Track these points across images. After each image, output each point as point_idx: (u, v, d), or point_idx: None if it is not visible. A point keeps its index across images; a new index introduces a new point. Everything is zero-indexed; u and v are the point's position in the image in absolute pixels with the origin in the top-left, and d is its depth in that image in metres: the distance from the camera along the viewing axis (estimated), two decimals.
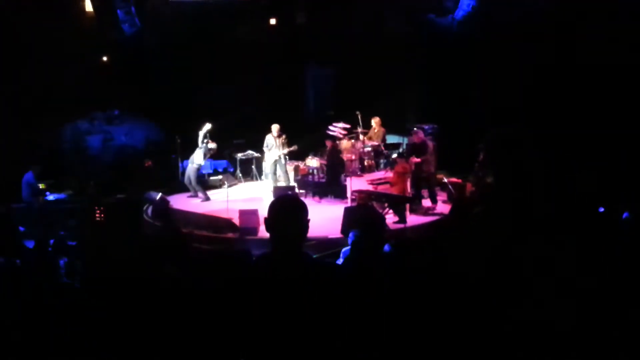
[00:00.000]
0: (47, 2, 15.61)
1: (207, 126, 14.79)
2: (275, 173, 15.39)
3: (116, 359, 4.08)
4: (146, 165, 16.89)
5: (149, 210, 14.34)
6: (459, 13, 16.12)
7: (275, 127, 15.25)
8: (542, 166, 3.38)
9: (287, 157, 15.46)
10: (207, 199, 14.86)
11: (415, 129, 14.24)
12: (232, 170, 17.57)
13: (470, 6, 15.80)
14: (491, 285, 3.69)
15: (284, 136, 15.30)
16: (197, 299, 4.16)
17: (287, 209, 3.12)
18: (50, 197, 14.62)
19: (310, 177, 15.61)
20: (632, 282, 3.94)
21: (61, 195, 14.90)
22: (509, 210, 3.32)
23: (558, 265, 3.30)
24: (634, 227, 6.88)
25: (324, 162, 15.47)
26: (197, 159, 14.83)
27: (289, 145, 15.27)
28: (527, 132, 3.43)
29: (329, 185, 15.01)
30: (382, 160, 16.75)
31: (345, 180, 14.57)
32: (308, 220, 3.12)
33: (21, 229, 12.40)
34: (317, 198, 14.78)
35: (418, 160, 13.31)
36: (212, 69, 17.73)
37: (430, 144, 13.62)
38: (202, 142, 14.80)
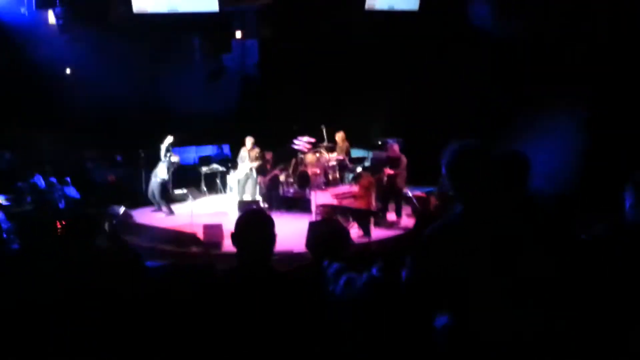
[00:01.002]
0: None
1: (169, 139, 14.73)
2: (244, 187, 15.39)
3: None
4: (109, 179, 16.72)
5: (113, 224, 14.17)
6: None
7: (249, 140, 15.34)
8: (501, 177, 3.42)
9: (256, 170, 15.48)
10: (171, 212, 14.76)
11: (389, 142, 14.33)
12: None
13: None
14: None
15: (257, 149, 15.33)
16: (157, 315, 4.11)
17: (254, 222, 3.12)
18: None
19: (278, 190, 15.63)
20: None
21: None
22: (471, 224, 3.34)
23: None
24: None
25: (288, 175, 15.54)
26: (161, 173, 14.73)
27: (261, 159, 15.31)
28: (485, 143, 3.46)
29: (271, 199, 15.34)
30: (346, 174, 16.79)
31: (310, 194, 14.58)
32: (275, 235, 3.11)
33: None
34: (282, 211, 14.81)
35: (392, 172, 13.36)
36: (175, 82, 17.62)
37: (404, 158, 13.69)
38: (165, 155, 14.72)
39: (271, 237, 3.08)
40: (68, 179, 15.38)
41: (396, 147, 13.89)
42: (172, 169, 15.02)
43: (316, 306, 3.10)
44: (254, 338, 2.83)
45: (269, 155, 15.56)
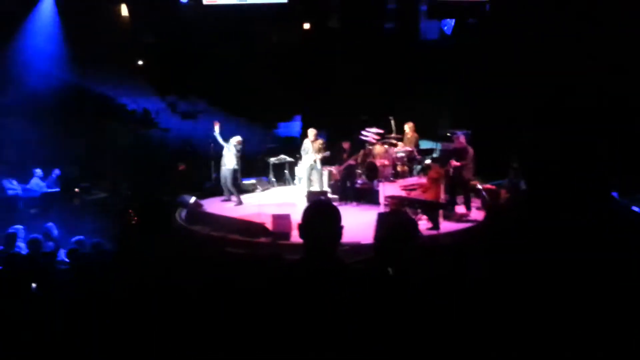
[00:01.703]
0: (85, 6, 15.86)
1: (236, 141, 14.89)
2: (309, 178, 15.39)
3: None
4: (180, 168, 17.02)
5: (183, 214, 14.44)
6: None
7: (311, 132, 15.29)
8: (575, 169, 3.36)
9: (321, 162, 15.45)
10: (240, 202, 14.90)
11: (457, 133, 14.14)
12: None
13: None
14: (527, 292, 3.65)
15: (320, 141, 15.30)
16: (228, 303, 4.15)
17: (321, 214, 3.12)
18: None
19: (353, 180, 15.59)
20: None
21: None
22: (542, 216, 3.28)
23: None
24: None
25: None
26: (229, 162, 14.87)
27: (325, 150, 15.27)
28: (558, 136, 3.40)
29: (345, 190, 15.23)
30: (415, 166, 16.67)
31: (378, 185, 14.53)
32: (341, 227, 3.11)
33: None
34: (353, 203, 14.80)
35: (458, 164, 13.18)
36: (246, 73, 17.78)
37: (470, 150, 13.48)
38: (228, 144, 14.85)
39: (337, 229, 3.08)
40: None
41: (462, 139, 13.67)
42: (239, 155, 15.05)
43: (382, 298, 3.09)
44: (319, 329, 2.83)
45: (346, 145, 15.49)
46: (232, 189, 15.08)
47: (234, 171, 15.02)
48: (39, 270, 6.78)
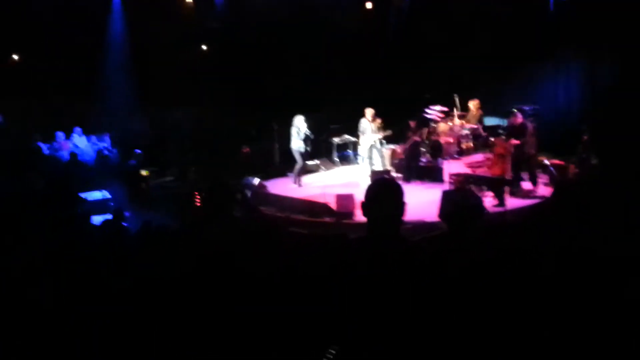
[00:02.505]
0: None
1: (300, 120, 14.90)
2: (371, 157, 15.32)
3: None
4: (244, 151, 17.19)
5: (248, 195, 14.61)
6: None
7: (369, 111, 15.14)
8: None
9: (383, 141, 15.36)
10: (299, 185, 14.92)
11: (514, 110, 13.86)
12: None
13: None
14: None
15: (378, 120, 15.18)
16: (293, 282, 4.18)
17: (384, 192, 3.09)
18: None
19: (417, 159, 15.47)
20: None
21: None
22: (615, 192, 3.19)
23: None
24: None
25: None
26: (295, 144, 14.91)
27: (385, 130, 15.17)
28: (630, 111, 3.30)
29: (410, 168, 15.01)
30: (480, 143, 16.42)
31: (442, 163, 14.39)
32: (405, 204, 3.08)
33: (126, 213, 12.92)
34: (417, 181, 14.70)
35: (517, 142, 12.94)
36: (307, 56, 17.78)
37: (529, 125, 13.20)
38: (298, 133, 14.89)
39: (401, 206, 3.05)
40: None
41: (519, 115, 13.37)
42: (300, 135, 15.08)
43: (447, 276, 3.05)
44: (386, 306, 2.82)
45: (412, 123, 15.36)
46: (296, 170, 15.14)
47: (300, 153, 15.04)
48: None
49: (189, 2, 17.11)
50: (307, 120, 15.15)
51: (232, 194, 13.15)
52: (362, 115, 15.19)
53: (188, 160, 17.04)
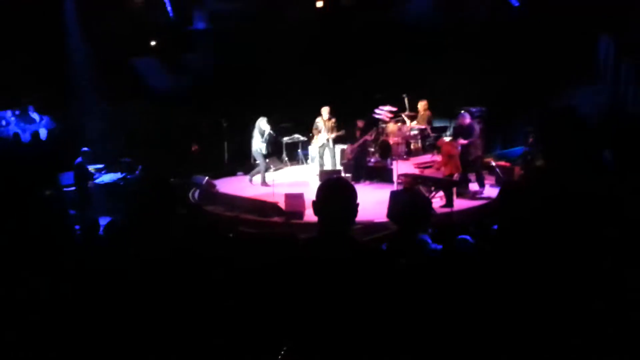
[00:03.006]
0: None
1: (263, 123, 14.78)
2: (322, 157, 15.34)
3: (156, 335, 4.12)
4: (193, 149, 17.03)
5: (196, 194, 14.47)
6: None
7: (325, 110, 15.18)
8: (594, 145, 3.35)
9: (334, 141, 15.38)
10: (267, 185, 14.81)
11: (462, 111, 14.05)
12: None
13: None
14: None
15: (333, 120, 15.23)
16: (241, 282, 4.15)
17: (336, 192, 3.07)
18: (105, 178, 15.01)
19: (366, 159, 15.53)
20: None
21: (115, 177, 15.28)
22: (561, 192, 3.24)
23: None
24: None
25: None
26: (255, 144, 14.79)
27: (338, 130, 15.22)
28: (577, 112, 3.38)
29: (359, 168, 15.10)
30: (428, 144, 16.58)
31: (391, 164, 14.48)
32: (357, 204, 3.06)
33: (72, 212, 12.69)
34: (366, 182, 14.77)
35: (464, 142, 13.11)
36: (260, 52, 17.68)
37: (476, 127, 13.39)
38: (262, 135, 14.76)
39: (353, 206, 3.03)
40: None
41: (467, 116, 13.56)
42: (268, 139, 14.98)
43: (395, 276, 3.06)
44: (333, 306, 2.81)
45: (360, 124, 15.42)
46: (255, 171, 15.08)
47: (257, 154, 14.95)
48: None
49: None
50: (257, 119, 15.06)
51: (174, 192, 13.10)
52: (314, 114, 15.21)
53: (136, 157, 16.78)
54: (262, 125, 14.69)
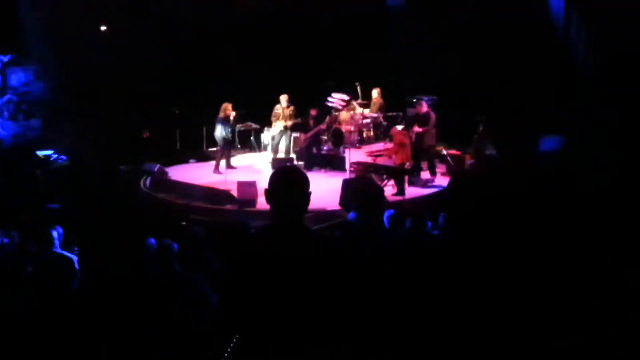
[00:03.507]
0: None
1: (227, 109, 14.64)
2: (277, 144, 15.34)
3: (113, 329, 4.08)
4: (144, 136, 16.82)
5: (147, 182, 14.30)
6: None
7: (283, 98, 15.20)
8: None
9: (291, 128, 15.39)
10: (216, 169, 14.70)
11: (420, 99, 14.17)
12: None
13: None
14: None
15: (292, 107, 15.24)
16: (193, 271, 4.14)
17: (288, 180, 3.06)
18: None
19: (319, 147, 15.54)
20: None
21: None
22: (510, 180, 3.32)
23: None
24: None
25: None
26: (222, 132, 14.63)
27: (295, 117, 15.22)
28: (529, 103, 3.46)
29: (311, 156, 15.15)
30: (381, 132, 16.68)
31: (344, 152, 14.53)
32: (309, 193, 3.06)
33: None
34: (319, 170, 14.79)
35: (420, 130, 13.22)
36: (211, 40, 17.52)
37: (433, 116, 13.51)
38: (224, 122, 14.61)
39: (305, 194, 3.04)
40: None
41: (424, 105, 13.69)
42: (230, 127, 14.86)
43: (347, 263, 3.07)
44: (286, 295, 2.82)
45: (313, 112, 15.42)
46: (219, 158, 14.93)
47: (220, 139, 14.77)
48: None
49: None
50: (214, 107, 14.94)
51: (123, 180, 12.94)
52: (267, 102, 15.19)
53: (86, 143, 16.47)
54: (228, 111, 14.58)
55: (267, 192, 3.04)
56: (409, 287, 3.98)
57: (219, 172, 14.39)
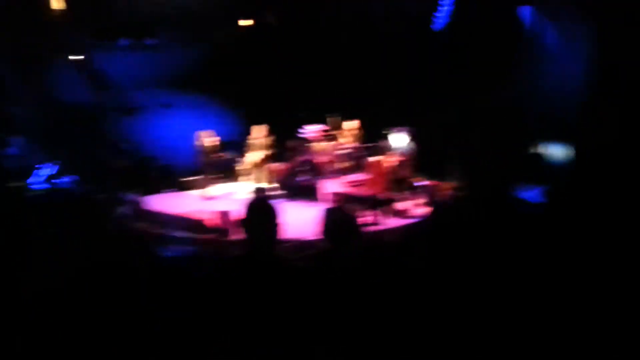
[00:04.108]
0: None
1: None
2: (256, 174, 15.42)
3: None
4: (120, 165, 16.72)
5: (123, 211, 14.17)
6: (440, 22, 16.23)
7: (261, 128, 15.32)
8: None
9: (267, 159, 15.46)
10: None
11: (393, 131, 14.24)
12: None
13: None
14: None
15: (269, 137, 15.36)
16: (166, 301, 4.06)
17: (258, 211, 3.07)
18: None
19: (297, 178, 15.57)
20: None
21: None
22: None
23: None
24: None
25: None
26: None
27: (272, 148, 15.32)
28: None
29: (290, 188, 15.17)
30: (358, 163, 16.70)
31: (319, 182, 14.52)
32: (280, 223, 3.05)
33: None
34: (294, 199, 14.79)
35: (395, 162, 13.27)
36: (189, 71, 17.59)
37: (409, 146, 13.56)
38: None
39: (276, 224, 3.04)
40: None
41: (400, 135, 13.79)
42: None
43: (321, 292, 3.05)
44: (257, 322, 2.78)
45: (292, 143, 15.57)
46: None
47: None
48: None
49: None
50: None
51: (103, 209, 12.83)
52: (248, 131, 15.29)
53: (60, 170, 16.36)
54: (202, 139, 14.79)
55: (240, 222, 3.03)
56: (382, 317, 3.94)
57: (209, 198, 14.52)
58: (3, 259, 7.16)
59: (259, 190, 14.25)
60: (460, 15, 15.59)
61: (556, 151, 14.14)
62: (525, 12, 15.04)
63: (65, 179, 15.27)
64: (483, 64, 14.94)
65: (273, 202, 2.91)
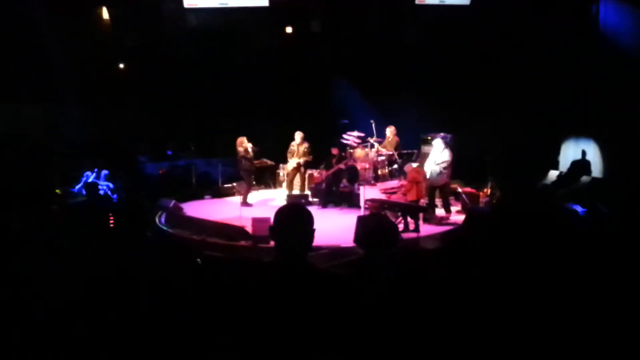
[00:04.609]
0: (65, 8, 15.67)
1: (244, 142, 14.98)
2: (292, 181, 15.51)
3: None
4: (160, 172, 16.93)
5: (162, 217, 14.35)
6: None
7: (298, 135, 15.43)
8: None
9: (304, 166, 15.57)
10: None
11: (434, 137, 14.21)
12: None
13: None
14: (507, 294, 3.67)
15: (306, 144, 15.42)
16: (202, 306, 4.13)
17: (292, 217, 3.09)
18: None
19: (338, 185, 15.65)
20: None
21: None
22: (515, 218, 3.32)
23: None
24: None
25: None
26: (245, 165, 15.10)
27: (310, 154, 15.39)
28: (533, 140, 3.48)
29: (329, 194, 15.15)
30: (395, 170, 16.69)
31: (358, 189, 14.55)
32: (313, 230, 3.08)
33: None
34: (332, 206, 14.83)
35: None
36: (229, 77, 17.70)
37: (449, 153, 13.50)
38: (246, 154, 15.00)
39: (308, 232, 3.05)
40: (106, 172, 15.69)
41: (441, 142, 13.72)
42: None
43: (354, 302, 3.07)
44: (287, 333, 2.82)
45: (335, 151, 15.64)
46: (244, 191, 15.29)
47: (244, 173, 15.34)
48: None
49: (106, 20, 16.74)
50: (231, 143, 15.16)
51: (145, 216, 12.98)
52: (283, 139, 15.36)
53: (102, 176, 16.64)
54: (245, 144, 14.92)
55: (271, 229, 3.07)
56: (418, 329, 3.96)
57: (248, 205, 14.68)
58: (41, 263, 7.32)
59: (293, 197, 14.45)
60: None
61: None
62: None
63: (107, 185, 15.47)
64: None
65: (307, 208, 2.96)
